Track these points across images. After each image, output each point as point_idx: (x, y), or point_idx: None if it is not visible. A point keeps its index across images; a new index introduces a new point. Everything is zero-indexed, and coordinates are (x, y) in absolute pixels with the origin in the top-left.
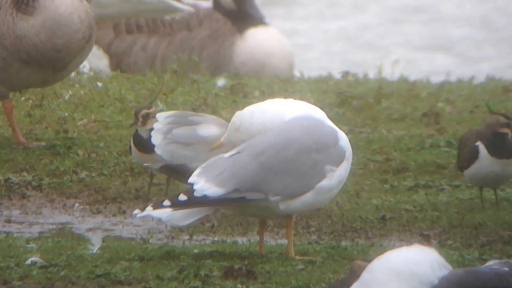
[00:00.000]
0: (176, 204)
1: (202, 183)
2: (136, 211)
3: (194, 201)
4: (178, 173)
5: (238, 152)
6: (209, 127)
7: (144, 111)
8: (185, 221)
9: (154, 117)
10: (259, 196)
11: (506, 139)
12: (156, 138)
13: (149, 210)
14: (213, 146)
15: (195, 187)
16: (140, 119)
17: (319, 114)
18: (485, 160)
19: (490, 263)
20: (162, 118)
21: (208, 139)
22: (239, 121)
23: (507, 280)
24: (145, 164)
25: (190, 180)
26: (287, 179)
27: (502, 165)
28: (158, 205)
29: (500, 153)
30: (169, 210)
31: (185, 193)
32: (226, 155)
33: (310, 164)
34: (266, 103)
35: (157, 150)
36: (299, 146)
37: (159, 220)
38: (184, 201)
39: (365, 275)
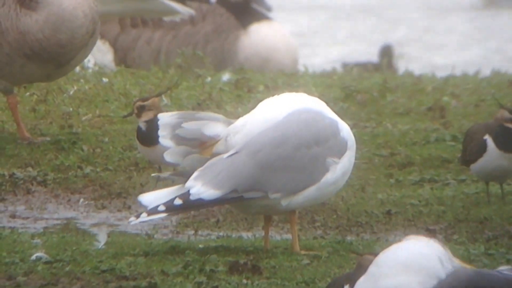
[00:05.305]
0: (171, 209)
1: (199, 186)
2: (132, 218)
3: (189, 205)
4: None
5: (236, 152)
6: (215, 126)
7: (139, 103)
8: None
9: (150, 109)
10: (258, 195)
11: None
12: (163, 130)
13: (143, 216)
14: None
15: (191, 191)
16: (135, 110)
17: (318, 105)
18: (493, 154)
19: (501, 268)
20: (166, 117)
21: (214, 139)
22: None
23: None
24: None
25: (187, 184)
26: (286, 175)
27: (510, 159)
28: (152, 211)
29: (508, 147)
30: (163, 215)
31: (180, 197)
32: (225, 155)
33: (310, 158)
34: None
35: (162, 140)
36: (296, 141)
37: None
38: (179, 205)
39: (372, 269)
